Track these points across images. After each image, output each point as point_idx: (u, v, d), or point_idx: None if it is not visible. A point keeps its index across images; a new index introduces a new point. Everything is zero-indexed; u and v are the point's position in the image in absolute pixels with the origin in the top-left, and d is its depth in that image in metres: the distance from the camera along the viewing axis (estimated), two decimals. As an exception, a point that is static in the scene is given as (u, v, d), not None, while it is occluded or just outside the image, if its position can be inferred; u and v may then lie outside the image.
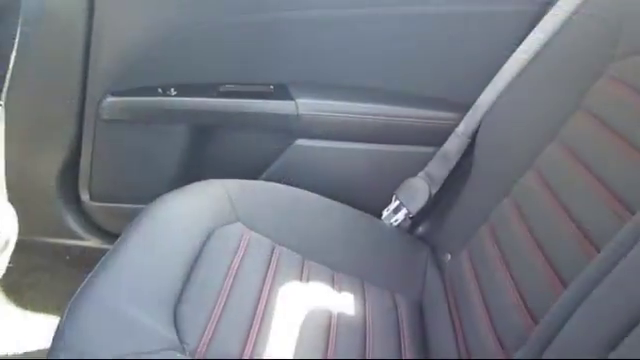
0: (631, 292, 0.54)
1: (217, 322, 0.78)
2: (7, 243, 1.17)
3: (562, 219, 0.77)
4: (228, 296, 0.83)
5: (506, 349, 0.73)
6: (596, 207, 0.71)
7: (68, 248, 1.33)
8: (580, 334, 0.58)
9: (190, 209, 0.99)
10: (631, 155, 0.72)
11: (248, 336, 0.78)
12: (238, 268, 0.90)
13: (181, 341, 0.73)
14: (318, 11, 1.10)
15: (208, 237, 0.94)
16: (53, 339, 0.68)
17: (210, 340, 0.75)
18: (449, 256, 1.03)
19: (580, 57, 0.93)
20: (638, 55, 0.83)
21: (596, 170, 0.77)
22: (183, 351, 0.72)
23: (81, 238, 1.31)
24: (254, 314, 0.82)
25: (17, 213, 1.17)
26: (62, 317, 0.70)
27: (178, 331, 0.74)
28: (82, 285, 0.76)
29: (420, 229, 1.20)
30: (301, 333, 0.83)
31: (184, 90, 1.18)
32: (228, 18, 1.13)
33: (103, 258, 0.80)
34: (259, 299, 0.85)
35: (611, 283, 0.57)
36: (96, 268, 0.79)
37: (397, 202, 1.16)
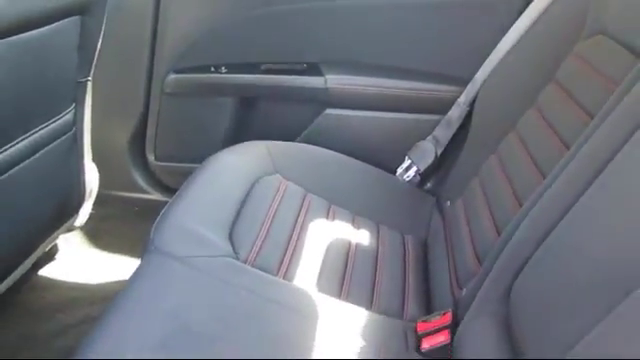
0: (560, 202, 0.76)
1: (261, 242, 1.03)
2: (91, 192, 1.45)
3: (527, 163, 0.99)
4: (270, 225, 1.07)
5: (481, 263, 0.95)
6: (549, 152, 0.92)
7: (136, 200, 1.59)
8: (525, 235, 0.80)
9: (238, 163, 1.24)
10: (581, 116, 0.92)
11: (285, 253, 1.03)
12: (277, 207, 1.14)
13: (235, 252, 0.98)
14: (343, 1, 1.33)
15: (253, 184, 1.19)
16: (145, 249, 0.94)
17: (256, 254, 1.00)
18: (449, 203, 1.25)
19: (555, 37, 1.13)
20: (599, 35, 1.03)
21: (557, 128, 0.98)
22: (236, 259, 0.97)
23: (147, 192, 1.58)
24: (290, 238, 1.06)
25: (97, 170, 1.45)
26: (151, 233, 0.96)
27: (233, 246, 0.99)
28: (162, 211, 1.02)
29: (428, 184, 1.42)
30: (325, 255, 1.07)
31: (233, 68, 1.43)
32: (269, 8, 1.37)
33: (177, 193, 1.06)
34: (294, 229, 1.09)
35: (549, 198, 0.79)
36: (171, 201, 1.04)
37: (409, 161, 1.39)
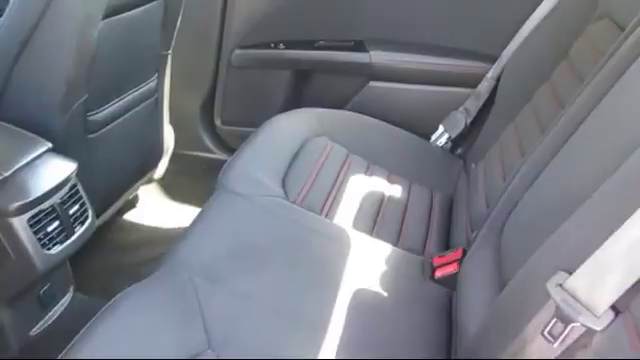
0: (547, 153, 0.93)
1: (308, 189, 1.24)
2: (167, 150, 1.69)
3: (535, 128, 1.16)
4: (315, 176, 1.29)
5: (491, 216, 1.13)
6: (552, 117, 1.09)
7: (204, 159, 1.83)
8: (518, 181, 0.98)
9: (291, 126, 1.45)
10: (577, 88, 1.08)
11: (327, 198, 1.24)
12: (323, 162, 1.35)
13: (286, 195, 1.20)
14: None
15: (303, 144, 1.40)
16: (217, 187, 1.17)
17: (303, 197, 1.21)
18: (474, 165, 1.43)
19: (570, 18, 1.28)
20: (605, 18, 1.18)
21: (562, 100, 1.14)
22: (287, 199, 1.19)
23: (213, 152, 1.82)
24: (332, 187, 1.27)
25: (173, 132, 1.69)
26: (219, 176, 1.19)
27: (284, 190, 1.21)
28: (228, 161, 1.25)
29: (459, 150, 1.60)
30: (362, 202, 1.27)
31: (290, 44, 1.65)
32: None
33: (241, 147, 1.29)
34: (336, 180, 1.30)
35: (539, 150, 0.96)
36: (236, 153, 1.27)
37: (442, 129, 1.57)
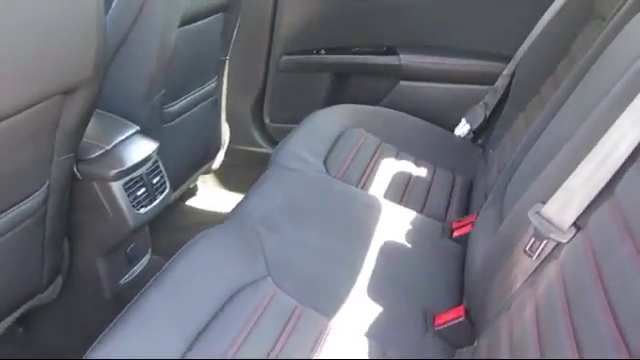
0: (540, 128, 1.14)
1: (346, 167, 1.47)
2: (224, 144, 1.95)
3: (539, 115, 1.36)
4: (352, 158, 1.51)
5: (498, 180, 1.33)
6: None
7: (255, 153, 2.08)
8: (519, 155, 1.19)
9: (331, 118, 1.69)
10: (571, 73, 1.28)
11: (363, 174, 1.46)
12: (359, 148, 1.57)
13: (327, 171, 1.43)
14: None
15: (342, 133, 1.62)
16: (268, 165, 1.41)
17: (342, 173, 1.44)
18: (491, 151, 1.63)
19: (571, 19, 1.48)
20: (599, 18, 1.38)
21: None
22: (328, 173, 1.42)
23: (263, 147, 2.06)
24: (366, 166, 1.50)
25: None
26: (273, 154, 1.43)
27: (326, 168, 1.44)
28: (279, 144, 1.49)
29: (479, 140, 1.80)
30: (392, 179, 1.49)
31: (330, 50, 1.90)
32: (357, 4, 1.81)
33: (290, 133, 1.53)
34: (370, 161, 1.53)
35: (535, 125, 1.17)
36: (286, 137, 1.51)
37: (464, 122, 1.78)
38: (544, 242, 0.86)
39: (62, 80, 0.96)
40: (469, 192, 1.59)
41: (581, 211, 0.82)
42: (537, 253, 0.87)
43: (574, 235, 0.83)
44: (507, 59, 1.71)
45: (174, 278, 0.99)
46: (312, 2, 1.85)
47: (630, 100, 0.81)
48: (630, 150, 0.78)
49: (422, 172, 1.58)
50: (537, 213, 0.88)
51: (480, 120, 1.76)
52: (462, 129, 1.78)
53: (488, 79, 1.76)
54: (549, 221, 0.86)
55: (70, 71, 0.96)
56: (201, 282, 0.99)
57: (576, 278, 0.75)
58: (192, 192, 2.04)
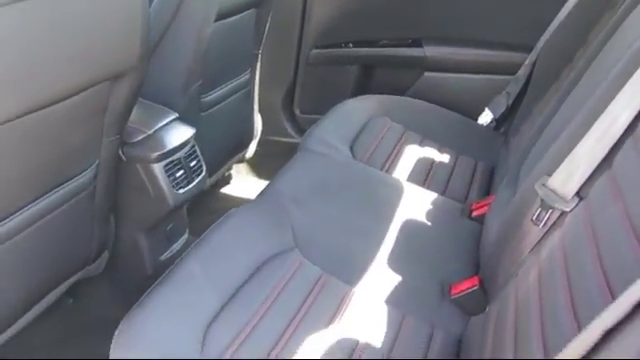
0: (554, 110, 1.20)
1: (371, 152, 1.55)
2: (256, 134, 2.04)
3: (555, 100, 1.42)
4: (377, 144, 1.59)
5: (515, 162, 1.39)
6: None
7: (285, 143, 2.17)
8: (535, 136, 1.25)
9: (358, 107, 1.77)
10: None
11: (387, 159, 1.54)
12: (384, 135, 1.65)
13: (353, 155, 1.51)
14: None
15: (368, 121, 1.70)
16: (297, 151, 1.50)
17: (367, 158, 1.52)
18: (512, 138, 1.69)
19: (591, 7, 1.52)
20: (616, 7, 1.43)
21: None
22: (354, 157, 1.50)
23: (293, 137, 2.16)
24: (391, 152, 1.58)
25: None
26: (302, 139, 1.52)
27: (352, 152, 1.53)
28: (308, 130, 1.58)
29: (502, 129, 1.86)
30: (415, 164, 1.56)
31: (357, 44, 1.98)
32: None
33: (317, 122, 1.62)
34: (395, 147, 1.60)
35: (550, 107, 1.23)
36: (314, 125, 1.60)
37: (487, 111, 1.84)
38: (549, 211, 0.93)
39: (110, 67, 1.06)
40: (490, 178, 1.65)
41: (583, 182, 0.89)
42: (543, 222, 0.94)
43: (577, 204, 0.90)
44: (529, 49, 1.76)
45: (210, 246, 1.09)
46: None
47: (629, 77, 0.87)
48: (627, 124, 0.84)
49: (445, 158, 1.65)
50: (543, 185, 0.95)
51: (502, 109, 1.81)
52: (485, 118, 1.84)
53: (510, 69, 1.81)
54: (554, 192, 0.93)
55: (118, 59, 1.07)
56: (234, 250, 1.09)
57: (574, 240, 0.82)
58: (226, 180, 2.15)
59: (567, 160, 0.92)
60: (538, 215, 0.95)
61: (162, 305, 0.95)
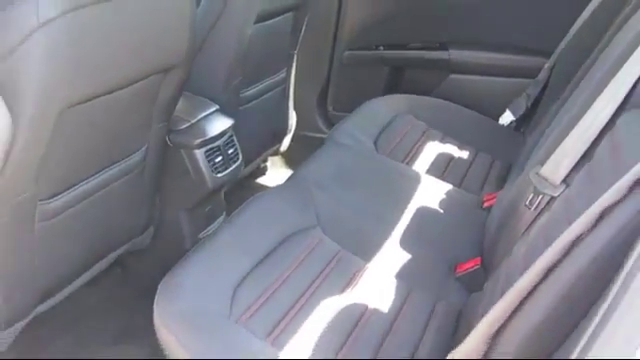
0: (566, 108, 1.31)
1: (393, 146, 1.68)
2: (291, 129, 2.19)
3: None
4: (400, 140, 1.72)
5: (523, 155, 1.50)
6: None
7: (318, 139, 2.31)
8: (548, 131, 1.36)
9: (385, 106, 1.90)
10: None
11: (408, 154, 1.67)
12: (406, 132, 1.78)
13: (376, 149, 1.65)
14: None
15: (393, 118, 1.83)
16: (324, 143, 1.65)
17: (389, 151, 1.65)
18: (529, 138, 1.79)
19: (608, 14, 1.61)
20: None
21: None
22: (377, 150, 1.63)
23: (325, 133, 2.30)
24: (413, 147, 1.70)
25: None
26: (331, 131, 1.67)
27: (375, 146, 1.66)
28: (335, 125, 1.72)
29: (522, 129, 1.96)
30: (435, 159, 1.69)
31: (387, 47, 2.11)
32: (414, 5, 2.02)
33: (345, 118, 1.76)
34: (416, 143, 1.73)
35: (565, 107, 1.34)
36: (342, 121, 1.74)
37: (508, 112, 1.94)
38: (540, 197, 1.05)
39: (162, 61, 1.23)
40: (507, 174, 1.76)
41: (569, 170, 1.01)
42: (535, 206, 1.06)
43: (563, 190, 1.01)
44: (548, 54, 1.86)
45: (242, 220, 1.24)
46: (372, 4, 2.08)
47: (614, 75, 0.98)
48: (606, 120, 0.95)
49: (464, 154, 1.77)
50: (536, 174, 1.07)
51: (522, 110, 1.91)
52: (506, 118, 1.94)
53: (530, 73, 1.91)
54: (545, 179, 1.05)
55: (168, 54, 1.23)
56: (262, 225, 1.24)
57: (554, 221, 0.94)
58: (262, 171, 2.30)
59: (557, 151, 1.04)
60: (531, 200, 1.07)
61: (198, 266, 1.11)
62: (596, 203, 0.63)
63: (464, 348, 0.70)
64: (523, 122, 1.94)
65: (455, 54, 2.02)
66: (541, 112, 1.78)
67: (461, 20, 1.99)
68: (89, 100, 1.04)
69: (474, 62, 2.02)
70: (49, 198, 1.12)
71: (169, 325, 0.98)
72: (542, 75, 1.88)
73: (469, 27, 1.99)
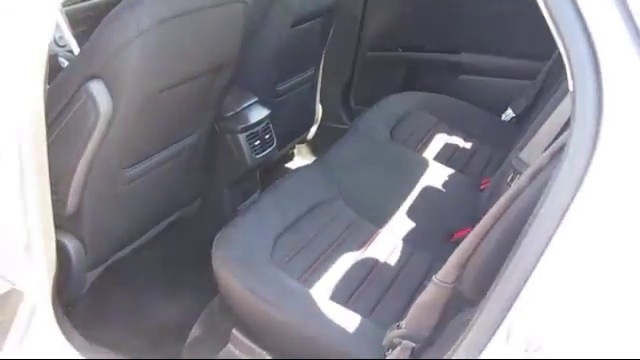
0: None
1: (407, 136, 1.95)
2: (317, 120, 2.47)
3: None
4: (412, 132, 1.99)
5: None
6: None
7: (342, 130, 2.56)
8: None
9: (401, 102, 2.17)
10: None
11: (419, 143, 1.94)
12: (419, 125, 2.05)
13: (392, 139, 1.92)
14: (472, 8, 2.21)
15: (407, 113, 2.10)
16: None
17: (404, 141, 1.92)
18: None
19: None
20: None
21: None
22: (392, 139, 1.91)
23: (347, 124, 2.57)
24: (423, 138, 1.97)
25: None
26: (354, 121, 1.94)
27: (392, 137, 1.93)
28: (357, 118, 1.99)
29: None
30: (442, 148, 1.95)
31: (405, 49, 2.38)
32: (430, 12, 2.29)
33: (366, 111, 2.03)
34: (427, 133, 2.00)
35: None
36: (363, 114, 2.01)
37: (509, 109, 2.20)
38: (518, 176, 1.31)
39: (216, 62, 1.51)
40: (501, 161, 2.01)
41: (542, 150, 1.27)
42: (515, 182, 1.32)
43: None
44: (546, 58, 2.11)
45: (279, 190, 1.53)
46: (392, 12, 2.35)
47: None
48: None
49: (468, 145, 2.03)
50: (517, 157, 1.33)
51: (522, 108, 2.17)
52: (507, 115, 2.20)
53: (530, 74, 2.16)
54: (523, 162, 1.31)
55: (222, 57, 1.52)
56: (295, 195, 1.53)
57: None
58: (290, 158, 2.59)
59: (532, 139, 1.30)
60: (512, 178, 1.33)
61: (246, 223, 1.40)
62: (530, 167, 0.89)
63: (441, 273, 0.97)
64: (522, 118, 2.20)
65: (465, 57, 2.29)
66: (538, 107, 2.03)
67: (471, 28, 2.26)
68: (169, 88, 1.33)
69: (482, 65, 2.28)
70: (129, 167, 1.42)
71: (226, 266, 1.27)
72: (540, 77, 2.13)
73: (478, 34, 2.25)
